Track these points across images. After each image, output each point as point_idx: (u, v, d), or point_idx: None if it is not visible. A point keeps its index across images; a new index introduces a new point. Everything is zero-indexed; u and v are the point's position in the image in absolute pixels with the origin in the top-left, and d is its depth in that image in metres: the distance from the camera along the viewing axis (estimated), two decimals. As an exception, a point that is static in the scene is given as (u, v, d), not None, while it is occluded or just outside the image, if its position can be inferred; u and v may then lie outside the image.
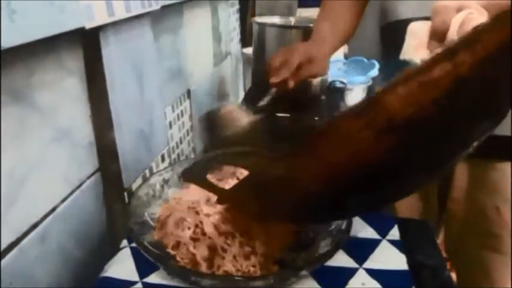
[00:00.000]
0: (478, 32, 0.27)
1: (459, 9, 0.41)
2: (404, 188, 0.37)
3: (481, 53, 0.27)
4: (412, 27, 0.48)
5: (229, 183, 0.54)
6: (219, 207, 0.50)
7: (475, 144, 0.33)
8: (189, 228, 0.47)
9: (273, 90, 0.72)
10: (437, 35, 0.43)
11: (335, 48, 0.77)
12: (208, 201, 0.52)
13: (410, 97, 0.29)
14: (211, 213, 0.49)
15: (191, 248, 0.46)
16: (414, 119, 0.29)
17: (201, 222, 0.47)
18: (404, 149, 0.31)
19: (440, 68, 0.28)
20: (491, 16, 0.38)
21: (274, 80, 0.71)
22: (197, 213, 0.49)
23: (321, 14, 0.80)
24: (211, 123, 0.59)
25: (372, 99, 0.31)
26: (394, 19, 0.70)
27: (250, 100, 1.19)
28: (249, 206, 0.46)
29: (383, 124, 0.30)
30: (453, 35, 0.41)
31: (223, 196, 0.49)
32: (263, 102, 0.70)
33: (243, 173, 0.53)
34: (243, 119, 0.57)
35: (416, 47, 0.46)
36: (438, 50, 0.40)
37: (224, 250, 0.46)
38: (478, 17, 0.40)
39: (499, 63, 0.27)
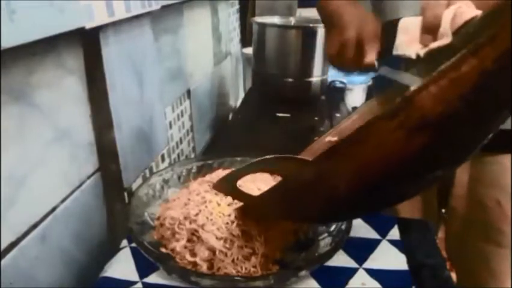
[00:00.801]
0: (499, 26, 0.28)
1: (448, 4, 0.42)
2: (424, 184, 0.39)
3: (502, 46, 0.28)
4: (403, 23, 0.48)
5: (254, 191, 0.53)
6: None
7: (491, 135, 0.35)
8: (183, 239, 0.47)
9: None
10: (430, 29, 0.44)
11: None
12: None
13: (440, 95, 0.30)
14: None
15: (187, 256, 0.46)
16: (444, 116, 0.31)
17: (196, 231, 0.47)
18: (434, 146, 0.33)
19: (467, 63, 0.29)
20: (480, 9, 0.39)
21: (348, 63, 0.55)
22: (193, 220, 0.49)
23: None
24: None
25: (405, 99, 0.32)
26: (389, 18, 0.70)
27: (251, 100, 1.19)
28: (274, 211, 0.47)
29: (415, 123, 0.31)
30: (445, 28, 0.42)
31: (252, 204, 0.49)
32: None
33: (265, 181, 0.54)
34: None
35: (408, 42, 0.47)
36: (433, 44, 0.41)
37: (224, 254, 0.46)
38: (468, 10, 0.41)
39: None
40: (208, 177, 0.57)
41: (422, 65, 0.45)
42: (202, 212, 0.48)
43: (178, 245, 0.47)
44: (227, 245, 0.46)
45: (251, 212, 0.49)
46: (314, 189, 0.40)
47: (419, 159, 0.34)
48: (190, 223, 0.48)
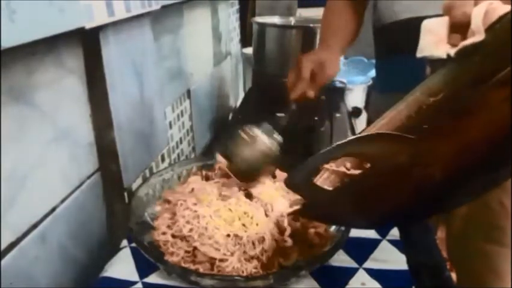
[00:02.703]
0: None
1: (475, 2, 0.41)
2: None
3: None
4: (427, 24, 0.47)
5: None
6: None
7: None
8: (179, 255, 0.47)
9: (293, 106, 0.73)
10: (459, 28, 0.41)
11: (343, 50, 0.78)
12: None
13: None
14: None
15: (187, 265, 0.47)
16: None
17: (194, 247, 0.47)
18: None
19: None
20: None
21: (293, 95, 0.72)
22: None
23: (325, 19, 0.81)
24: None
25: None
26: (390, 20, 0.70)
27: (251, 100, 1.19)
28: (344, 209, 0.43)
29: None
30: (477, 25, 0.40)
31: (322, 199, 0.43)
32: (284, 118, 0.70)
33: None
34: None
35: (435, 43, 0.45)
36: (465, 42, 0.37)
37: (224, 261, 0.46)
38: (501, 6, 0.39)
39: None
40: (180, 189, 0.57)
41: (454, 64, 0.43)
42: (195, 229, 0.48)
43: (176, 259, 0.47)
44: (228, 253, 0.46)
45: (311, 212, 0.45)
46: (405, 176, 0.36)
47: None
48: (182, 240, 0.48)
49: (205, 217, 0.49)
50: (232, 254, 0.46)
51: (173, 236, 0.48)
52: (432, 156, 0.34)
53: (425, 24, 0.46)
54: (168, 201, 0.55)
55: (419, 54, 0.46)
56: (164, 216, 0.52)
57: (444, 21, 0.44)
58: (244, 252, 0.47)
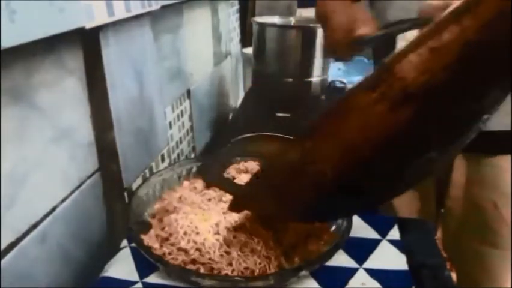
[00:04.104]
0: None
1: (445, 8, 0.42)
2: (420, 170, 0.36)
3: (484, 16, 0.26)
4: (406, 33, 0.48)
5: (243, 179, 0.51)
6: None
7: (485, 118, 0.32)
8: (177, 260, 0.46)
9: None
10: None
11: None
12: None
13: (422, 64, 0.28)
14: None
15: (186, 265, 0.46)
16: (429, 87, 0.28)
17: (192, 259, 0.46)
18: (421, 121, 0.30)
19: (449, 32, 0.27)
20: None
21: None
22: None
23: None
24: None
25: (383, 69, 0.30)
26: (388, 21, 0.71)
27: (251, 100, 1.19)
28: (266, 203, 0.44)
29: (397, 94, 0.29)
30: None
31: (241, 194, 0.46)
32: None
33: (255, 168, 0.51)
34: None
35: None
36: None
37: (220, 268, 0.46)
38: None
39: (502, 27, 0.26)
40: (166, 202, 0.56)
41: None
42: (191, 241, 0.47)
43: (176, 262, 0.47)
44: (224, 260, 0.46)
45: (241, 205, 0.47)
46: (300, 173, 0.37)
47: (406, 136, 0.31)
48: (178, 250, 0.47)
49: (203, 234, 0.48)
50: (230, 264, 0.46)
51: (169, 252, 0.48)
52: (318, 155, 0.35)
53: (404, 34, 0.47)
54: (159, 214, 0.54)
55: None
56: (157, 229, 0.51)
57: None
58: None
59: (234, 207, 0.49)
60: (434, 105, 0.30)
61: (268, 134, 0.39)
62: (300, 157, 0.36)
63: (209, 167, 0.45)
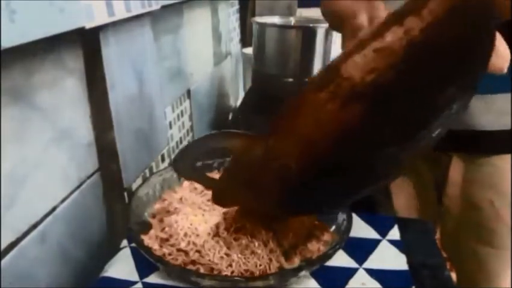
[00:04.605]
0: None
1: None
2: (387, 165, 0.36)
3: (429, 18, 0.27)
4: None
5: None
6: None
7: (454, 111, 0.32)
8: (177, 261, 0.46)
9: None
10: None
11: None
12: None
13: (367, 64, 0.29)
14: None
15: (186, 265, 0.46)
16: (376, 86, 0.29)
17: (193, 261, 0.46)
18: (373, 118, 0.31)
19: (392, 33, 0.28)
20: None
21: None
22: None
23: None
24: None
25: (331, 69, 0.31)
26: None
27: (251, 100, 1.19)
28: (242, 196, 0.45)
29: (346, 93, 0.30)
30: None
31: (217, 188, 0.47)
32: None
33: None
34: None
35: None
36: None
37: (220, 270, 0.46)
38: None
39: (447, 28, 0.27)
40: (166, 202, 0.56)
41: None
42: (191, 243, 0.47)
43: (176, 262, 0.46)
44: (224, 263, 0.46)
45: (222, 198, 0.47)
46: (266, 169, 0.37)
47: (360, 131, 0.31)
48: (178, 251, 0.47)
49: (202, 237, 0.48)
50: (230, 265, 0.45)
51: (169, 253, 0.48)
52: (280, 151, 0.36)
53: None
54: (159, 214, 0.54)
55: None
56: (156, 231, 0.51)
57: None
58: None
59: (216, 200, 0.49)
60: (384, 103, 0.30)
61: (232, 131, 0.40)
62: (264, 153, 0.37)
63: (180, 161, 0.46)
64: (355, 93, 0.30)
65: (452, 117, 0.33)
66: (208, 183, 0.48)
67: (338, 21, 0.58)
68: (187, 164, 0.45)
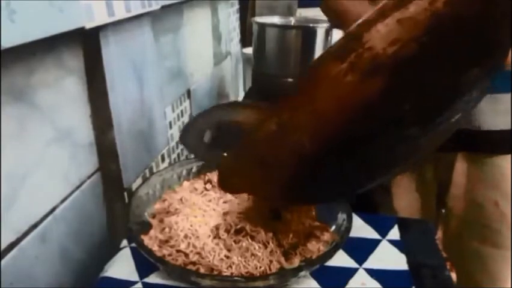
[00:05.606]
0: None
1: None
2: (405, 144, 0.34)
3: None
4: None
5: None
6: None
7: (473, 99, 0.31)
8: (177, 261, 0.46)
9: None
10: None
11: None
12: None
13: (390, 35, 0.28)
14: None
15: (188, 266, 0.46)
16: (399, 58, 0.28)
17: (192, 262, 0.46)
18: (393, 92, 0.29)
19: (416, 4, 0.27)
20: None
21: None
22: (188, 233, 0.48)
23: None
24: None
25: (351, 38, 0.29)
26: None
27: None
28: (251, 175, 0.43)
29: (367, 65, 0.29)
30: None
31: (225, 166, 0.44)
32: None
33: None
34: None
35: None
36: None
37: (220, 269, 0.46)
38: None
39: (473, 3, 0.26)
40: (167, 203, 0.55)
41: None
42: (191, 244, 0.47)
43: (176, 263, 0.46)
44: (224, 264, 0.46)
45: (229, 181, 0.45)
46: (280, 143, 0.36)
47: (380, 107, 0.30)
48: (178, 252, 0.47)
49: (201, 239, 0.48)
50: (230, 267, 0.45)
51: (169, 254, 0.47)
52: (295, 126, 0.34)
53: None
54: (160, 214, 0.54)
55: None
56: (156, 231, 0.51)
57: None
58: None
59: (222, 183, 0.47)
60: (405, 77, 0.29)
61: (243, 101, 0.38)
62: (278, 128, 0.35)
63: (188, 135, 0.44)
64: (376, 65, 0.28)
65: (469, 106, 0.32)
66: (215, 160, 0.45)
67: (341, 20, 0.58)
68: (194, 137, 0.43)
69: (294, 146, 0.35)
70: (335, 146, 0.33)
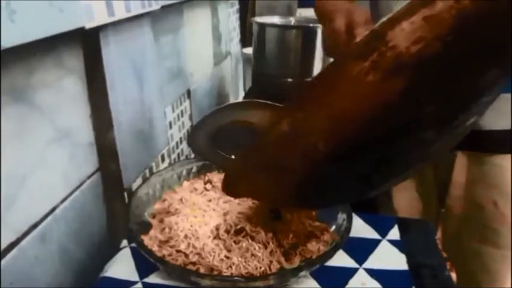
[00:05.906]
0: None
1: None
2: (419, 150, 0.34)
3: None
4: None
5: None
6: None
7: (489, 101, 0.30)
8: (177, 261, 0.46)
9: None
10: None
11: None
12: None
13: (414, 33, 0.27)
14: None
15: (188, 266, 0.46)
16: (422, 58, 0.27)
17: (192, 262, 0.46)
18: (415, 92, 0.29)
19: (443, 1, 0.26)
20: None
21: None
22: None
23: None
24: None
25: (376, 35, 0.28)
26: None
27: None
28: (258, 179, 0.41)
29: (389, 64, 0.28)
30: None
31: (232, 169, 0.43)
32: None
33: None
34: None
35: None
36: None
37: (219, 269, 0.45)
38: None
39: (499, 3, 0.25)
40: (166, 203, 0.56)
41: None
42: (191, 245, 0.47)
43: (176, 263, 0.46)
44: (224, 264, 0.46)
45: (234, 185, 0.44)
46: (292, 144, 0.35)
47: (399, 109, 0.29)
48: (178, 252, 0.47)
49: (201, 240, 0.47)
50: (230, 267, 0.45)
51: (169, 254, 0.47)
52: (309, 127, 0.33)
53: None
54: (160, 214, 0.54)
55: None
56: (156, 231, 0.51)
57: None
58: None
59: (228, 187, 0.46)
60: (427, 77, 0.28)
61: (259, 100, 0.37)
62: (291, 128, 0.34)
63: (195, 135, 0.43)
64: (399, 64, 0.28)
65: (483, 109, 0.31)
66: (225, 163, 0.44)
67: (321, 21, 0.58)
68: (202, 139, 0.41)
69: (307, 147, 0.34)
70: (350, 148, 0.32)
